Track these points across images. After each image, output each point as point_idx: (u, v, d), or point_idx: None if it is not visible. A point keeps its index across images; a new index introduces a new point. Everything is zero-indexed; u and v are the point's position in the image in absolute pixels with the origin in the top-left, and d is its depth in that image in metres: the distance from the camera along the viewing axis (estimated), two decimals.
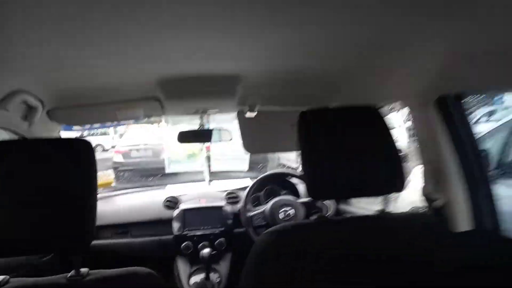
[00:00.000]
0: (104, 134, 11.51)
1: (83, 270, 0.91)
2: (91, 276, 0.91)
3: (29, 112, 1.38)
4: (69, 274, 0.90)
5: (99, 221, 2.09)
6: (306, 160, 1.04)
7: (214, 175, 2.55)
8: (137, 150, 7.56)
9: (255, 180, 2.19)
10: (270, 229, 1.06)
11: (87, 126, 1.72)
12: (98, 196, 1.75)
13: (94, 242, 1.89)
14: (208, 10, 0.84)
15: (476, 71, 0.96)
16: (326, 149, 1.02)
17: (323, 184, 1.03)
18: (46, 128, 1.57)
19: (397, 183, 1.04)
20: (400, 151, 1.05)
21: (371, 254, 0.98)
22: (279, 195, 2.17)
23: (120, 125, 2.19)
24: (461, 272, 0.98)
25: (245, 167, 2.86)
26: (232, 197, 2.20)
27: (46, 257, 1.74)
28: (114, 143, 9.61)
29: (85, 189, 0.87)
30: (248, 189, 2.14)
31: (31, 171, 0.84)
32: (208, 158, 2.53)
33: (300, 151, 1.04)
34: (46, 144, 0.92)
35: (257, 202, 2.20)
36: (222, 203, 2.15)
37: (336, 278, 0.94)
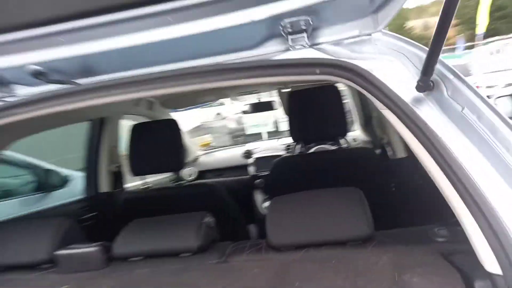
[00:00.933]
0: (221, 104, 13.32)
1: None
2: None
3: (150, 105, 2.45)
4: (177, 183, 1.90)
5: (204, 167, 3.20)
6: (291, 118, 1.82)
7: (281, 134, 3.40)
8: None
9: None
10: (280, 157, 1.92)
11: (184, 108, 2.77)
12: (202, 152, 2.89)
13: (201, 181, 2.97)
14: None
15: None
16: (302, 112, 1.79)
17: (300, 133, 1.81)
18: (161, 112, 2.65)
19: (342, 131, 1.76)
20: (345, 111, 1.75)
21: (328, 169, 1.74)
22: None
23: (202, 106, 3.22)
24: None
25: None
26: (288, 148, 3.03)
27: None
28: (230, 112, 11.22)
29: (177, 141, 1.81)
30: None
31: (156, 136, 1.82)
32: (275, 122, 3.38)
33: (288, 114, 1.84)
34: (160, 122, 1.92)
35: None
36: (282, 152, 3.00)
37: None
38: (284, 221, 0.93)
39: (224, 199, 1.91)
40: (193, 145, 3.31)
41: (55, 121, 1.42)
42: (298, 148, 2.78)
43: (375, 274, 0.76)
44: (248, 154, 3.11)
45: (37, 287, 0.95)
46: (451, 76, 0.78)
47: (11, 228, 1.20)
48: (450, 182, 0.68)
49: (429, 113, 0.74)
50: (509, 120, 0.71)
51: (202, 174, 3.13)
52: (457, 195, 0.67)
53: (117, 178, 2.29)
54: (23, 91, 1.03)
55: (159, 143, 1.78)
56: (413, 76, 0.77)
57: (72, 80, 0.97)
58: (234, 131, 9.96)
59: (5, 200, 2.12)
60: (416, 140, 0.73)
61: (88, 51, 0.88)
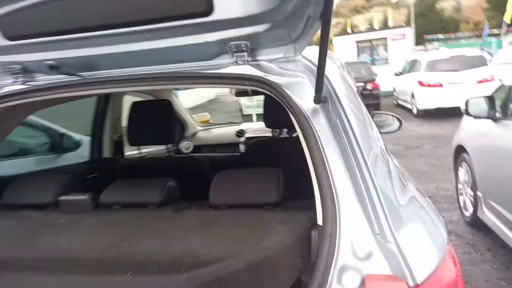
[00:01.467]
0: None
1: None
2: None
3: None
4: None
5: (201, 142, 3.52)
6: (265, 108, 2.10)
7: None
8: None
9: None
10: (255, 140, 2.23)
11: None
12: (201, 128, 3.27)
13: (197, 154, 3.30)
14: None
15: None
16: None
17: (270, 121, 2.10)
18: (163, 91, 2.95)
19: None
20: None
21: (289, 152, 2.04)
22: None
23: None
24: None
25: None
26: (275, 130, 3.32)
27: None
28: None
29: (168, 119, 2.11)
30: None
31: (151, 113, 2.11)
32: None
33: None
34: (155, 102, 2.23)
35: None
36: (269, 134, 3.30)
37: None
38: (221, 188, 1.27)
39: (205, 171, 2.23)
40: (194, 121, 3.63)
41: (68, 98, 1.74)
42: (284, 132, 3.08)
43: (261, 224, 1.10)
44: (240, 133, 3.41)
45: (43, 220, 1.30)
46: (333, 95, 1.08)
47: (28, 177, 1.55)
48: (313, 166, 0.99)
49: (319, 119, 1.03)
50: (362, 127, 1.03)
51: (198, 148, 3.45)
52: (315, 178, 0.97)
53: (118, 146, 2.63)
54: (41, 78, 1.35)
55: (153, 119, 2.08)
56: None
57: (77, 73, 1.28)
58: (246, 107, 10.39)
59: (22, 158, 2.48)
60: (303, 138, 1.04)
61: (89, 53, 1.19)
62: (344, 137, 1.01)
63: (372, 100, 10.50)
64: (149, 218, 1.24)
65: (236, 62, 1.15)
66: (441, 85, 9.71)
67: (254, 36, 1.07)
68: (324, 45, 0.87)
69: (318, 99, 1.03)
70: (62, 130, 2.76)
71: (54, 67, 1.25)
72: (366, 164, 0.98)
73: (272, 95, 1.11)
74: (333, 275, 0.85)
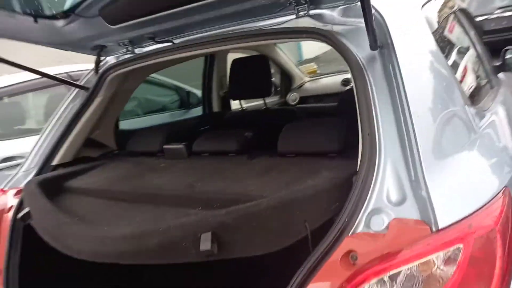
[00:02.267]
0: None
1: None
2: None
3: None
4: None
5: (307, 93, 3.63)
6: None
7: None
8: None
9: None
10: (347, 90, 2.32)
11: None
12: (308, 79, 3.44)
13: (299, 106, 3.44)
14: None
15: None
16: None
17: None
18: (266, 46, 3.16)
19: None
20: None
21: None
22: None
23: None
24: None
25: None
26: None
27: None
28: None
29: (265, 73, 2.31)
30: None
31: (250, 68, 2.39)
32: None
33: None
34: (253, 57, 2.49)
35: None
36: None
37: None
38: (287, 137, 1.41)
39: None
40: (301, 72, 3.75)
41: (170, 61, 1.91)
42: None
43: (314, 170, 1.17)
44: (346, 82, 3.43)
45: (151, 164, 1.66)
46: (389, 41, 1.07)
47: (144, 131, 2.01)
48: (359, 113, 1.03)
49: (375, 66, 1.05)
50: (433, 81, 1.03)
51: (304, 99, 3.60)
52: (360, 127, 1.02)
53: (225, 101, 3.01)
54: (146, 45, 1.67)
55: (251, 74, 2.32)
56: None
57: (170, 39, 1.56)
58: None
59: (161, 113, 3.07)
60: (355, 85, 1.07)
61: (176, 24, 1.43)
62: (399, 87, 1.01)
63: None
64: (226, 164, 1.47)
65: (297, 15, 1.24)
66: None
67: None
68: None
69: (372, 45, 1.03)
70: (189, 88, 3.26)
71: (152, 38, 1.56)
72: (418, 115, 0.97)
73: (329, 45, 1.17)
74: (361, 217, 0.89)
